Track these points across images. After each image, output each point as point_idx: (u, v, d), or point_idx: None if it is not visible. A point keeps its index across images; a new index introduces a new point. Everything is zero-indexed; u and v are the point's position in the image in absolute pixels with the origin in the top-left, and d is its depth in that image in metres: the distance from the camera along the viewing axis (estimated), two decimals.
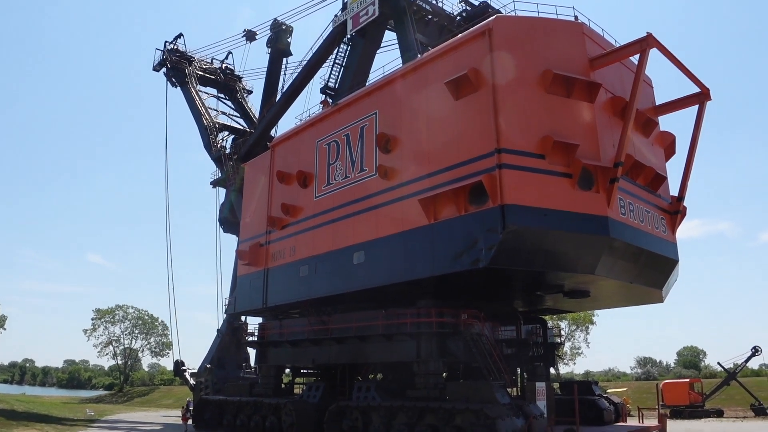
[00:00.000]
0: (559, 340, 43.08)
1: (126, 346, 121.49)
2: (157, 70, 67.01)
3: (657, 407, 37.54)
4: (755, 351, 51.19)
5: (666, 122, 31.24)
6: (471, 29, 27.43)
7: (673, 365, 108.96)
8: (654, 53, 25.55)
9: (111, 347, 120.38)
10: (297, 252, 35.04)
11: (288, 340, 35.79)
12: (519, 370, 35.36)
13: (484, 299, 31.38)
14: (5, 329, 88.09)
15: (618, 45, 27.40)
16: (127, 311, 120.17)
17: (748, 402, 49.91)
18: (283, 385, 39.09)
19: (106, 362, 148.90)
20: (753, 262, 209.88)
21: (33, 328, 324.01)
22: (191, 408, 41.64)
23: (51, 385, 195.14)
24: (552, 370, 38.08)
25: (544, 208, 23.58)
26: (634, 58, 26.90)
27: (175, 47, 66.38)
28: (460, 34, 28.33)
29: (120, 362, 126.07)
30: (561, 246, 24.15)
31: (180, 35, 67.24)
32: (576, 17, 27.29)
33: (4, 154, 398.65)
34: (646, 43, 24.82)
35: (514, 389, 33.09)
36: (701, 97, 28.83)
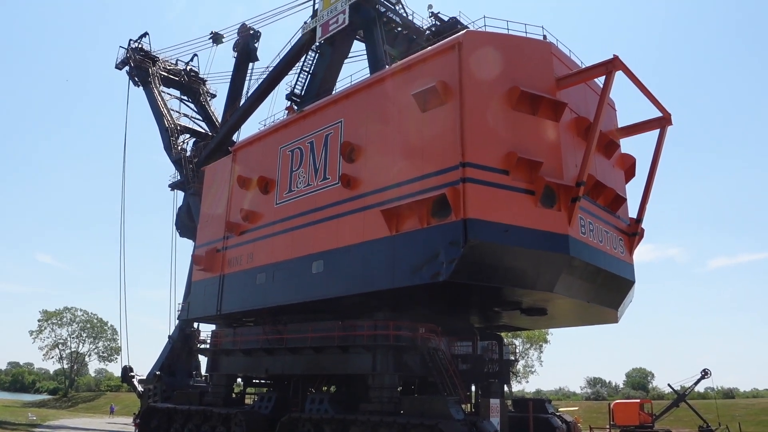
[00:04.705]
0: (513, 358, 43.21)
1: (73, 349, 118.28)
2: (120, 68, 65.62)
3: (608, 427, 37.89)
4: (705, 374, 52.04)
5: (627, 145, 31.70)
6: (441, 42, 27.45)
7: (621, 386, 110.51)
8: (619, 75, 25.86)
9: (57, 350, 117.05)
10: (255, 259, 34.40)
11: (241, 349, 35.03)
12: (473, 387, 35.26)
13: (441, 314, 31.23)
14: None
15: (584, 66, 27.73)
16: (75, 314, 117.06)
17: (696, 424, 50.66)
18: (234, 395, 38.24)
19: (52, 366, 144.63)
20: (701, 287, 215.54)
21: None
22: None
23: None
24: (505, 388, 38.09)
25: (506, 223, 23.56)
26: (600, 80, 27.21)
27: (140, 46, 65.17)
28: (429, 47, 28.33)
29: (66, 366, 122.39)
30: (521, 262, 24.15)
31: (145, 34, 66.29)
32: (545, 36, 27.54)
33: None
34: (612, 65, 25.15)
35: (469, 405, 32.97)
36: (662, 122, 29.29)
